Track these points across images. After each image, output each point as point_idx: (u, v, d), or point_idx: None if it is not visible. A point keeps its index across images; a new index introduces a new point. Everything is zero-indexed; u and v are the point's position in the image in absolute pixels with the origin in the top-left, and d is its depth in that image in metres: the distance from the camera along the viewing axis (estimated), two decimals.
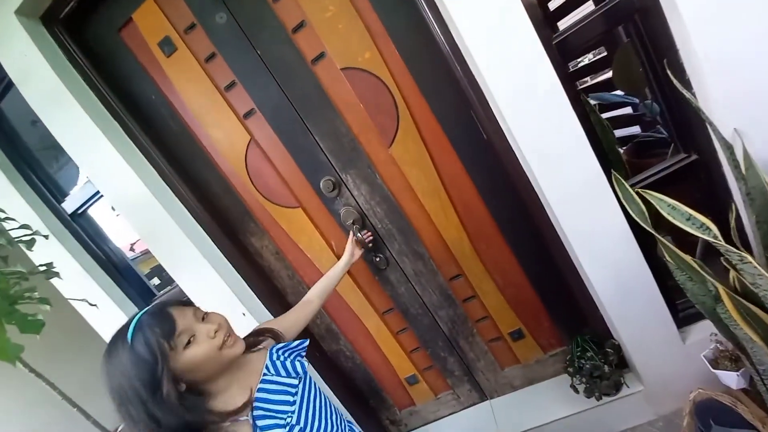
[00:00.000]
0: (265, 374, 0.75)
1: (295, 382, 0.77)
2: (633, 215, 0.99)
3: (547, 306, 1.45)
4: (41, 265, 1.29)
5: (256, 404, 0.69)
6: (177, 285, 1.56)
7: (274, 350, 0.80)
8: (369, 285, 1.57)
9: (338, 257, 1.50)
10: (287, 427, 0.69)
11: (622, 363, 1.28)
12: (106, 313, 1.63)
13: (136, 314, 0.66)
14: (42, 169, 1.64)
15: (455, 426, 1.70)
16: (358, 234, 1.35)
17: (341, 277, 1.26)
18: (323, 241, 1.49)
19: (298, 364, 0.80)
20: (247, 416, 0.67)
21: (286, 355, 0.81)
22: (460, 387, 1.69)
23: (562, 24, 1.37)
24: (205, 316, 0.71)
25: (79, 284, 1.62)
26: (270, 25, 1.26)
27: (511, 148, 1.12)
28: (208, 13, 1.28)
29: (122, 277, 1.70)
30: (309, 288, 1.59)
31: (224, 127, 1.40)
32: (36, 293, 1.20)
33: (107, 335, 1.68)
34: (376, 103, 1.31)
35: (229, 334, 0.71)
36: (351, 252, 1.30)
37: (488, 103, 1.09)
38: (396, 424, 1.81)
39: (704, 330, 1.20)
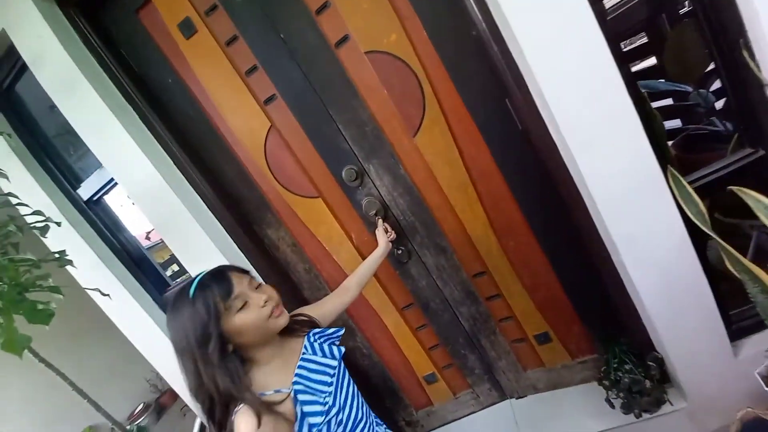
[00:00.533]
0: (304, 353, 0.77)
1: (334, 363, 0.78)
2: (692, 217, 0.87)
3: (579, 311, 1.33)
4: (54, 253, 1.24)
5: (296, 379, 0.71)
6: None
7: (311, 334, 0.82)
8: (389, 279, 1.47)
9: (357, 249, 1.42)
10: (325, 406, 0.71)
11: (663, 377, 1.16)
12: (121, 303, 1.58)
13: (199, 274, 0.71)
14: (59, 155, 1.59)
15: (474, 426, 1.61)
16: (380, 224, 1.27)
17: (377, 266, 1.17)
18: (343, 233, 1.40)
19: (335, 348, 0.81)
20: (289, 388, 0.69)
21: (322, 340, 0.83)
22: (479, 386, 1.60)
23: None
24: (258, 286, 0.74)
25: (94, 273, 1.58)
26: (293, 6, 1.16)
27: (552, 138, 0.99)
28: None
29: (137, 267, 1.65)
30: (326, 282, 1.53)
31: (244, 113, 1.31)
32: (50, 281, 1.15)
33: (122, 325, 1.65)
34: (401, 90, 1.20)
35: (277, 305, 0.74)
36: (386, 240, 1.22)
37: (528, 88, 0.96)
38: (412, 425, 1.72)
39: (758, 344, 1.07)
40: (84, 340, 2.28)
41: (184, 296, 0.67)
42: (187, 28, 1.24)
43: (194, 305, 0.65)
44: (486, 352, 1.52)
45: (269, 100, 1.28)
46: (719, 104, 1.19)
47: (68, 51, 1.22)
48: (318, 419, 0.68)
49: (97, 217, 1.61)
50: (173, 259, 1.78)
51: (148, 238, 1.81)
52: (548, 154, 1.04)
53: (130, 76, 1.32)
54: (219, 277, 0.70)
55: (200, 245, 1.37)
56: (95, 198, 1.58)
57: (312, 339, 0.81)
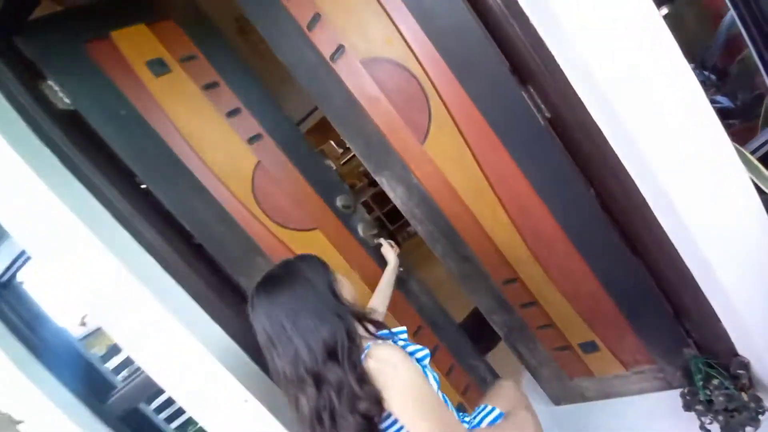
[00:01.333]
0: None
1: (404, 327, 0.78)
2: None
3: (630, 319, 1.11)
4: None
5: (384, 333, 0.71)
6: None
7: None
8: (394, 303, 1.25)
9: (363, 278, 1.29)
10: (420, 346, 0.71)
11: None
12: (43, 421, 1.08)
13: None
14: None
15: None
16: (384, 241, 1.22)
17: (394, 280, 1.14)
18: (346, 263, 1.26)
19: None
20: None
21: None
22: None
23: None
24: None
25: (5, 386, 1.08)
26: (286, 25, 1.05)
27: (594, 124, 0.82)
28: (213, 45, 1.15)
29: (67, 367, 1.16)
30: None
31: (226, 151, 1.14)
32: None
33: None
34: (402, 96, 1.04)
35: None
36: (394, 254, 1.17)
37: (558, 67, 0.82)
38: None
39: None
40: None
41: (288, 263, 0.70)
42: (159, 66, 1.10)
43: (307, 262, 0.70)
44: (526, 360, 1.36)
45: (254, 138, 1.16)
46: None
47: None
48: (424, 352, 0.70)
49: (7, 305, 1.14)
50: (118, 348, 1.32)
51: (83, 323, 1.34)
52: (587, 142, 0.90)
53: (53, 114, 1.00)
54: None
55: (154, 325, 0.98)
56: (3, 279, 1.13)
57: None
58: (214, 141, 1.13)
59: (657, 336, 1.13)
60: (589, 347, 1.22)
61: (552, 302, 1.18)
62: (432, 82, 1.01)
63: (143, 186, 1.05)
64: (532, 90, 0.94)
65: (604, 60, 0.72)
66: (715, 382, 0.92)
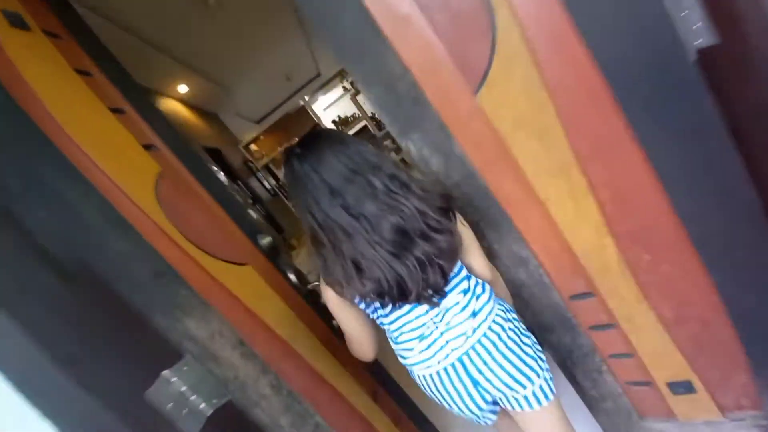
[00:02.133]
0: None
1: None
2: None
3: (751, 353, 0.77)
4: None
5: None
6: None
7: None
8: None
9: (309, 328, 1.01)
10: None
11: None
12: None
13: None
14: None
15: None
16: None
17: None
18: (285, 305, 0.92)
19: None
20: None
21: None
22: None
23: None
24: None
25: None
26: None
27: None
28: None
29: None
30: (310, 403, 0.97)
31: (116, 144, 0.80)
32: None
33: None
34: (449, 12, 0.64)
35: None
36: None
37: None
38: None
39: None
40: None
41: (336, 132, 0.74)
42: (15, 18, 0.73)
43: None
44: (582, 388, 1.06)
45: (150, 147, 0.83)
46: None
47: None
48: None
49: None
50: None
51: None
52: None
53: None
54: None
55: None
56: None
57: None
58: (96, 128, 0.76)
59: None
60: (681, 388, 0.90)
61: (640, 326, 0.85)
62: None
63: None
64: None
65: None
66: None
